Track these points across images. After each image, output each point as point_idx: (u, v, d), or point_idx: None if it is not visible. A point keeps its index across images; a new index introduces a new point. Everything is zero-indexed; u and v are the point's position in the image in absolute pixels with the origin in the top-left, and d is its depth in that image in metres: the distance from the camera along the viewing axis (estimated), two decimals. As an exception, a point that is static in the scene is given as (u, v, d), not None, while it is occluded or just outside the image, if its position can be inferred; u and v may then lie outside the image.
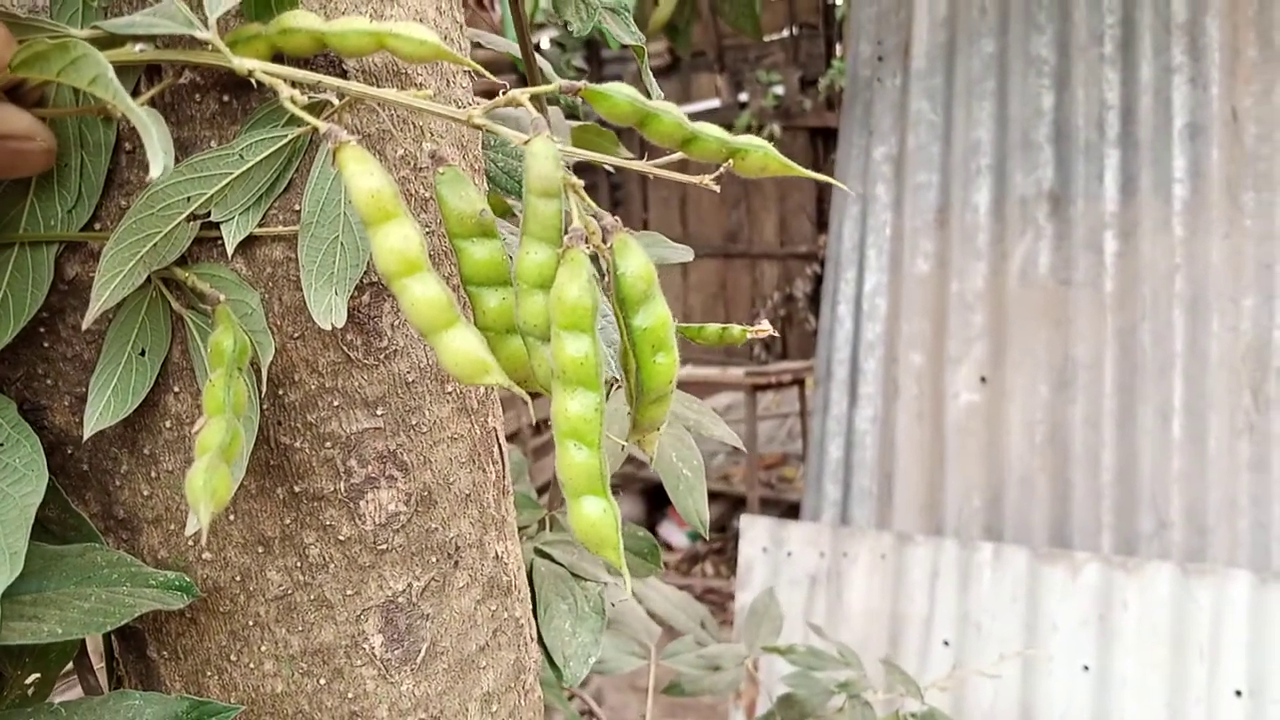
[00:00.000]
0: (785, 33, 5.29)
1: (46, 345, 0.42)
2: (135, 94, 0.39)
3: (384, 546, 0.45)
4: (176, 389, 0.42)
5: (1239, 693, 1.89)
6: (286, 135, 0.40)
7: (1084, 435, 2.15)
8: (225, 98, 0.40)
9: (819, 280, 4.93)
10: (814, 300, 5.29)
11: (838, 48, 5.10)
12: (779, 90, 5.18)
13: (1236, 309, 2.03)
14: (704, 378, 4.45)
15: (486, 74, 0.43)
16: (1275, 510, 1.97)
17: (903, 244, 2.38)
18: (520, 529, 0.72)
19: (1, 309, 0.40)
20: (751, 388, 4.16)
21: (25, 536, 0.37)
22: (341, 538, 0.45)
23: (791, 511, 3.66)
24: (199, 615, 0.45)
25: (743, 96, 5.37)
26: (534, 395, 0.43)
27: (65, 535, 0.43)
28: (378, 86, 0.42)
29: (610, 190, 5.96)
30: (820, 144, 5.25)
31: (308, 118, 0.37)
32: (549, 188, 0.37)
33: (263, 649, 0.45)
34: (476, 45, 0.75)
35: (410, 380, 0.45)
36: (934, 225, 2.35)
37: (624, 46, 0.65)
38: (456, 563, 0.48)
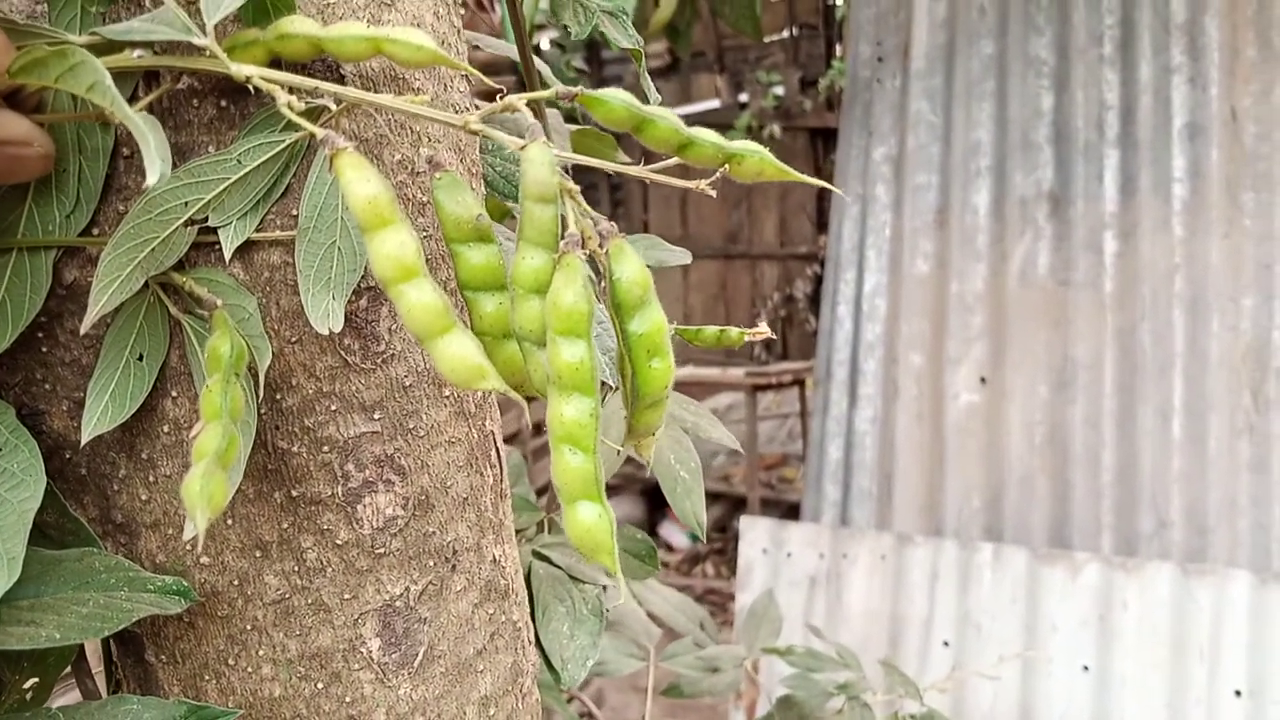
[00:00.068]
0: (785, 33, 5.29)
1: (45, 350, 0.42)
2: (133, 99, 0.39)
3: (381, 550, 0.46)
4: (174, 394, 0.42)
5: (1239, 693, 1.89)
6: (284, 140, 0.40)
7: (1084, 436, 2.15)
8: (223, 103, 0.40)
9: (819, 281, 4.92)
10: (814, 301, 5.30)
11: (838, 48, 5.10)
12: (779, 91, 5.18)
13: (1236, 309, 2.03)
14: (704, 378, 4.45)
15: (484, 78, 0.43)
16: (1275, 511, 1.97)
17: (902, 245, 2.38)
18: (518, 531, 0.72)
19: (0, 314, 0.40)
20: (752, 388, 4.17)
21: (23, 541, 0.37)
22: (339, 542, 0.45)
23: (792, 512, 3.66)
24: (197, 620, 0.45)
25: (743, 97, 5.37)
26: (531, 398, 0.43)
27: (63, 540, 0.43)
28: (375, 91, 0.43)
29: (610, 191, 5.96)
30: (820, 144, 5.25)
31: (305, 124, 0.37)
32: (545, 193, 0.37)
33: (260, 653, 0.45)
34: (475, 48, 0.75)
35: (408, 384, 0.45)
36: (933, 226, 2.35)
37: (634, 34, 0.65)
38: (454, 566, 0.48)
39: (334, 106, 0.40)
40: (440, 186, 0.40)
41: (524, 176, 0.37)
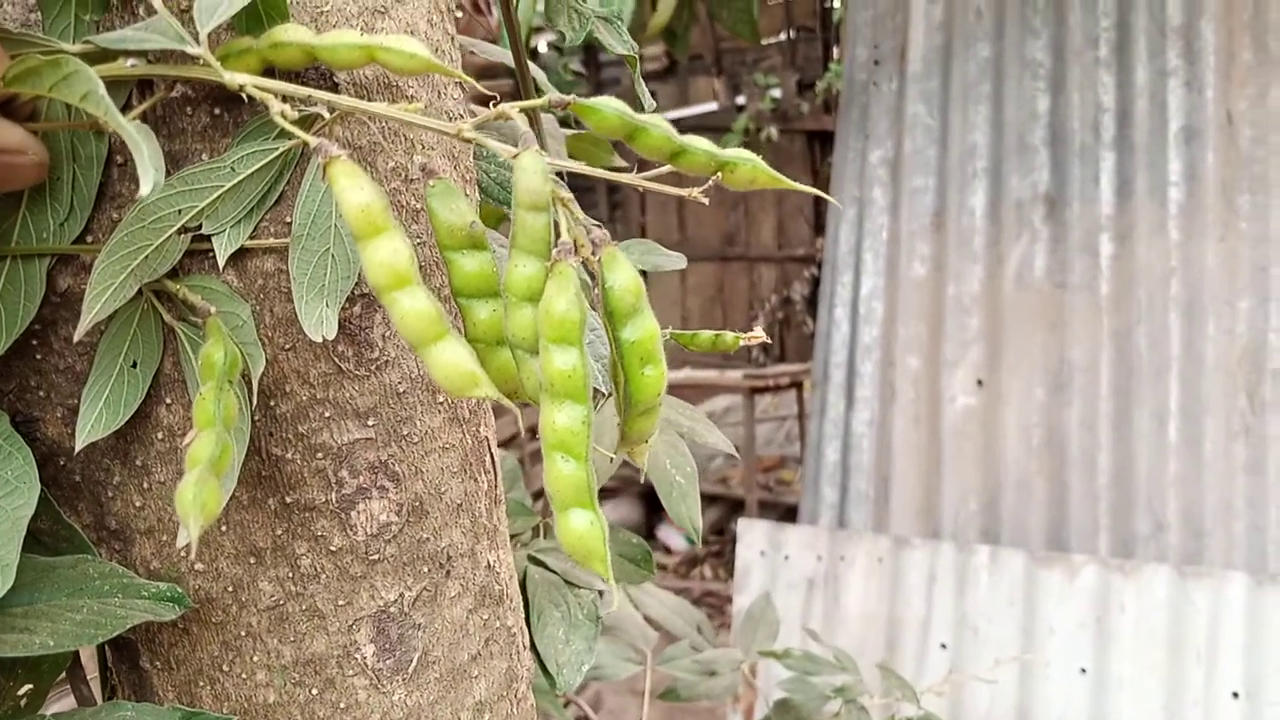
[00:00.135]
0: (782, 36, 5.30)
1: (39, 357, 0.42)
2: (127, 108, 0.39)
3: (375, 557, 0.46)
4: (168, 401, 0.42)
5: (1236, 695, 1.89)
6: (278, 148, 0.40)
7: (1080, 438, 2.15)
8: (217, 110, 0.41)
9: (816, 283, 4.93)
10: (812, 303, 5.30)
11: (835, 51, 5.11)
12: (776, 93, 5.18)
13: (1232, 312, 2.04)
14: (702, 380, 4.45)
15: (478, 85, 0.43)
16: (1271, 513, 1.97)
17: (899, 247, 2.38)
18: (513, 536, 0.72)
19: (-6, 322, 0.40)
20: (750, 390, 4.17)
21: (17, 549, 0.37)
22: (333, 548, 0.45)
23: (790, 514, 3.66)
24: (191, 626, 0.45)
25: (740, 100, 5.38)
26: (525, 404, 0.43)
27: (58, 547, 0.43)
28: (369, 99, 0.43)
29: (608, 193, 5.97)
30: (817, 147, 5.26)
31: (298, 132, 0.37)
32: (537, 201, 0.37)
33: (255, 659, 0.45)
34: (470, 53, 0.75)
35: (401, 391, 0.45)
36: (930, 229, 2.35)
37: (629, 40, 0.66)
38: (448, 572, 0.48)
39: (328, 114, 0.40)
40: (434, 194, 0.40)
41: (517, 185, 0.37)
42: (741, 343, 0.60)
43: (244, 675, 0.45)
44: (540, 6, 0.65)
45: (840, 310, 2.45)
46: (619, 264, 0.39)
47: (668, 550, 4.34)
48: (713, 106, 5.52)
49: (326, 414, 0.44)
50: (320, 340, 0.40)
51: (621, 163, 0.92)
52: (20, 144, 0.37)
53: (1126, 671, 1.98)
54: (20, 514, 0.38)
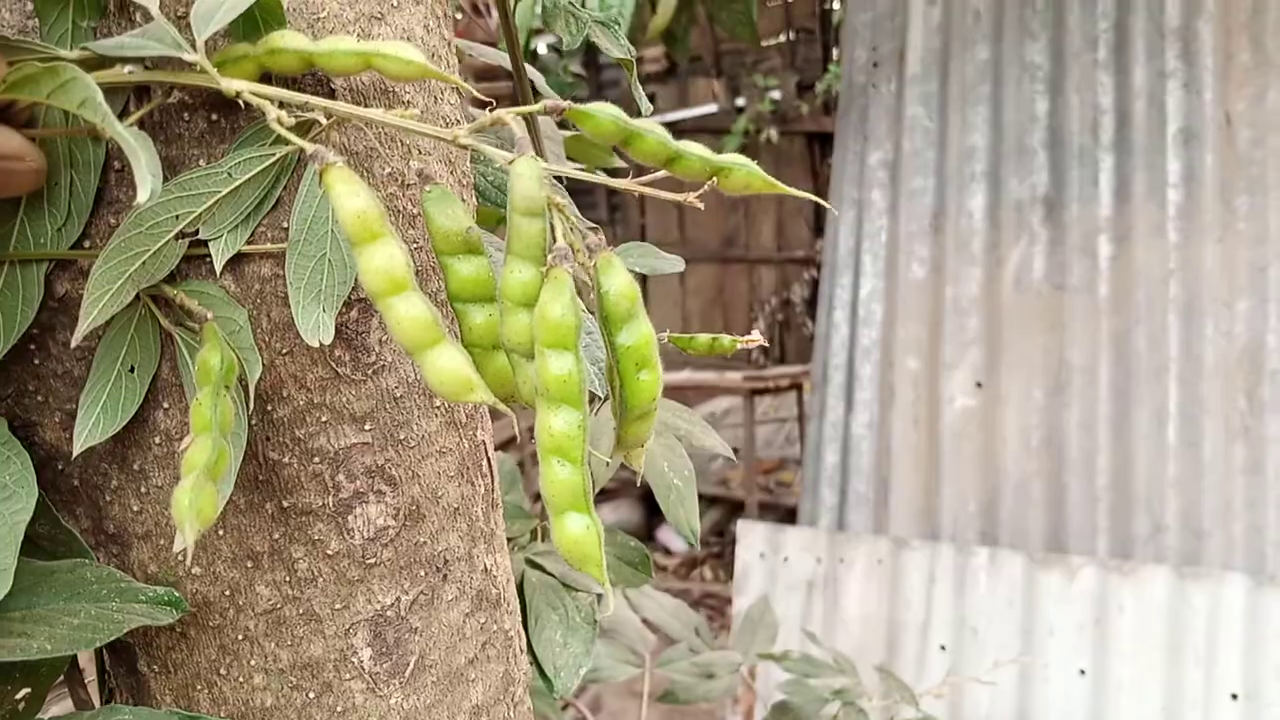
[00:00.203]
0: (782, 38, 5.30)
1: (37, 362, 0.42)
2: (124, 113, 0.40)
3: (372, 561, 0.46)
4: (166, 405, 0.43)
5: (1235, 696, 1.89)
6: (274, 154, 0.41)
7: (1079, 440, 2.15)
8: (214, 116, 0.41)
9: (816, 285, 4.93)
10: (811, 305, 5.30)
11: (834, 53, 5.11)
12: (776, 95, 5.18)
13: (1230, 313, 2.04)
14: (702, 382, 4.45)
15: (474, 91, 0.43)
16: (1270, 514, 1.97)
17: (898, 249, 2.38)
18: (511, 539, 0.73)
19: (-9, 327, 0.40)
20: (749, 392, 4.17)
21: (15, 553, 0.37)
22: (330, 552, 0.45)
23: (790, 516, 3.66)
24: (189, 629, 0.45)
25: (740, 101, 5.38)
26: (524, 407, 0.43)
27: (55, 551, 0.43)
28: (365, 104, 0.43)
29: (607, 194, 5.96)
30: (817, 148, 5.26)
31: (295, 139, 0.37)
32: (532, 207, 0.37)
33: (252, 663, 0.45)
34: (469, 55, 0.75)
35: (398, 395, 0.46)
36: (929, 230, 2.35)
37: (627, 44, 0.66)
38: (445, 576, 0.48)
39: (324, 120, 0.40)
40: (430, 200, 0.40)
41: (512, 190, 0.37)
42: (739, 345, 0.60)
43: (241, 679, 0.46)
44: (539, 10, 0.65)
45: (839, 312, 2.45)
46: (614, 269, 0.39)
47: (667, 552, 4.34)
48: (712, 108, 5.53)
49: (323, 418, 0.44)
50: (317, 345, 0.40)
51: (621, 164, 0.92)
52: (18, 150, 0.38)
53: (1125, 673, 1.98)
54: (18, 518, 0.38)
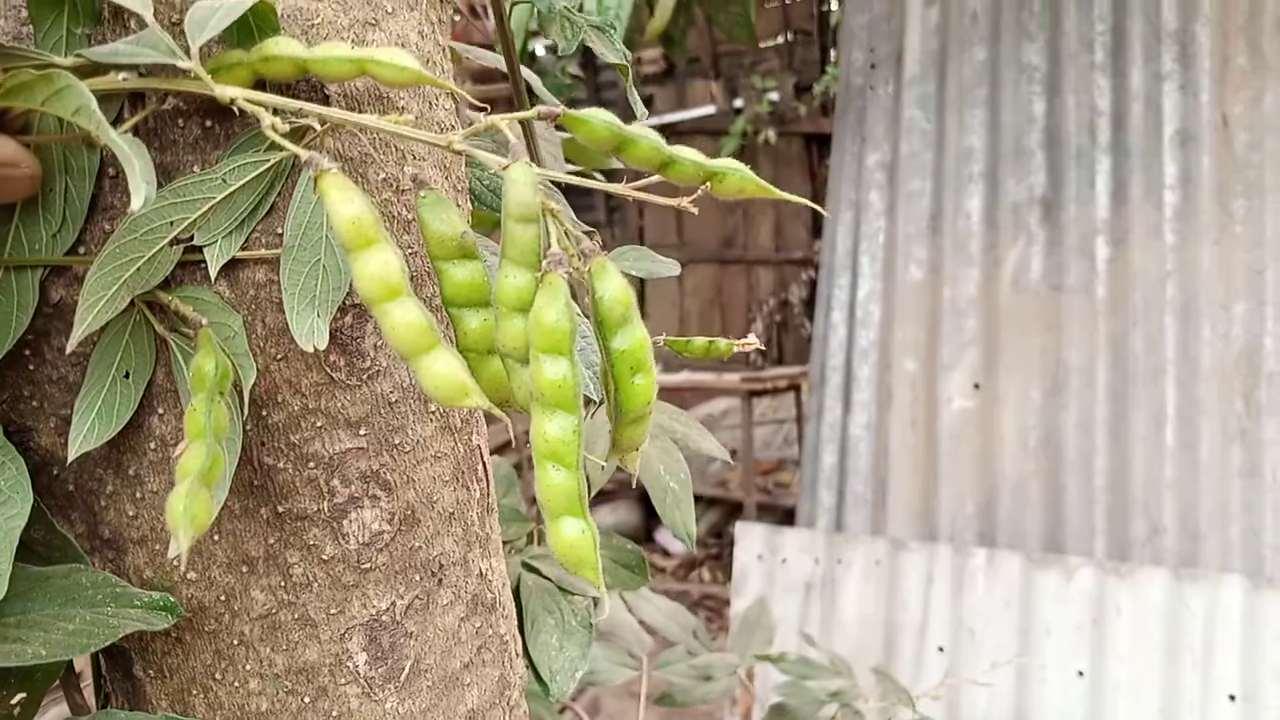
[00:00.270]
0: (780, 39, 5.31)
1: (32, 368, 0.43)
2: (119, 120, 0.40)
3: (367, 565, 0.46)
4: (161, 410, 0.43)
5: (1232, 698, 1.89)
6: (269, 160, 0.41)
7: (1077, 441, 2.16)
8: (208, 122, 0.41)
9: (814, 286, 4.94)
10: (810, 305, 5.30)
11: (832, 54, 5.11)
12: (774, 96, 5.19)
13: (1227, 315, 2.04)
14: (700, 383, 4.45)
15: (468, 97, 0.43)
16: (1267, 516, 1.97)
17: (896, 250, 2.38)
18: (507, 542, 0.73)
19: (-13, 333, 0.40)
20: (748, 393, 4.17)
21: (10, 559, 0.37)
22: (325, 557, 0.45)
23: (789, 517, 3.66)
24: (184, 634, 0.45)
25: (738, 103, 5.38)
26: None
27: (51, 556, 0.43)
28: (360, 110, 0.43)
29: (606, 196, 5.96)
30: (815, 150, 5.26)
31: (289, 145, 0.37)
32: (527, 213, 0.37)
33: (247, 668, 0.45)
34: (465, 58, 0.76)
35: (393, 400, 0.46)
36: (927, 232, 2.35)
37: (626, 46, 0.66)
38: (440, 581, 0.48)
39: (319, 126, 0.40)
40: (425, 205, 0.40)
41: (506, 197, 0.37)
42: (736, 349, 0.60)
43: (237, 684, 0.46)
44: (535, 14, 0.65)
45: (837, 313, 2.45)
46: (608, 274, 0.39)
47: (666, 553, 4.34)
48: (710, 109, 5.53)
49: (318, 423, 0.44)
50: (312, 350, 0.40)
51: (619, 165, 0.92)
52: (13, 157, 0.38)
53: (1123, 674, 1.98)
54: (13, 524, 0.38)
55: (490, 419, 0.53)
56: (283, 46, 0.39)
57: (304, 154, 0.36)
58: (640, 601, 1.14)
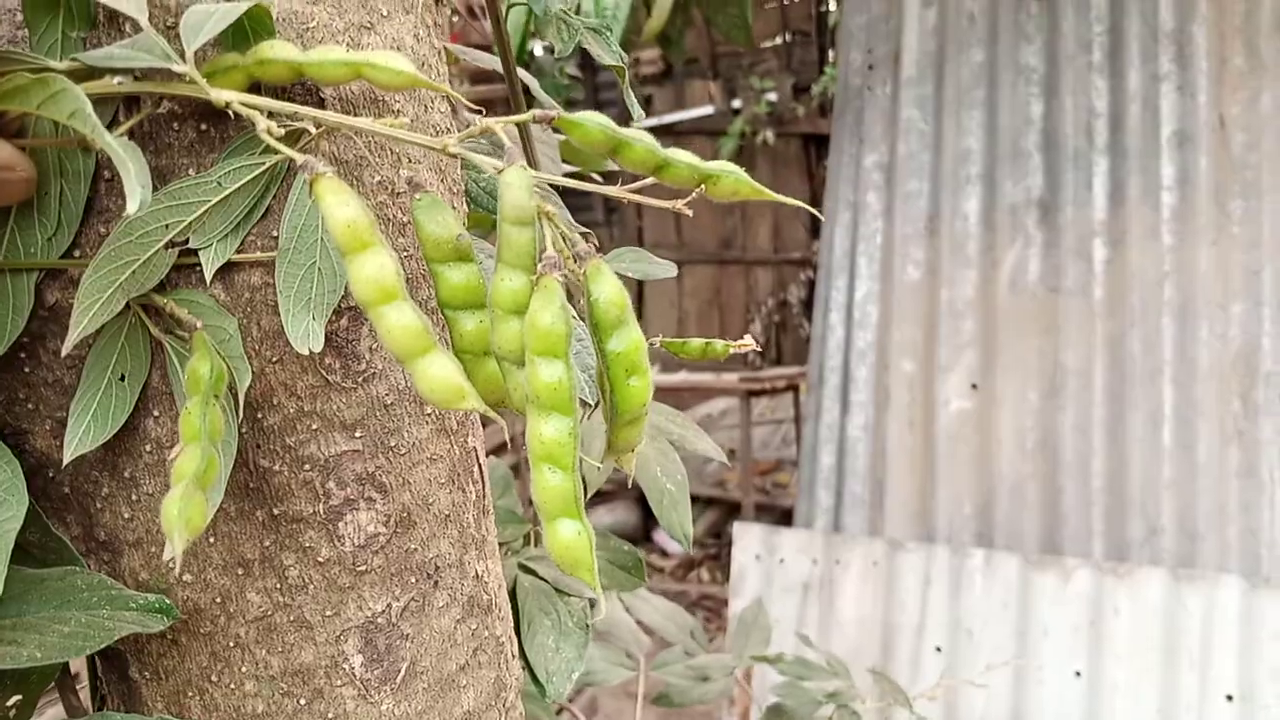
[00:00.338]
0: (778, 40, 5.31)
1: (27, 370, 0.43)
2: (114, 123, 0.40)
3: (363, 568, 0.46)
4: (156, 413, 0.43)
5: (1230, 698, 1.89)
6: (264, 163, 0.41)
7: (1074, 442, 2.16)
8: (203, 126, 0.41)
9: (813, 286, 4.94)
10: (808, 306, 5.30)
11: (830, 55, 5.12)
12: (772, 97, 5.19)
13: (1225, 316, 2.04)
14: (699, 383, 4.45)
15: (464, 100, 0.43)
16: (1265, 516, 1.97)
17: (893, 252, 2.38)
18: (504, 544, 0.73)
19: (-18, 335, 0.40)
20: (746, 393, 4.17)
21: (4, 561, 0.37)
22: (321, 559, 0.45)
23: (787, 517, 3.66)
24: (180, 636, 0.45)
25: (736, 103, 5.38)
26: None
27: (46, 558, 0.43)
28: (355, 113, 0.43)
29: (604, 196, 5.96)
30: (813, 150, 5.26)
31: (284, 149, 0.37)
32: (522, 216, 0.37)
33: (243, 669, 0.45)
34: (460, 59, 0.76)
35: (389, 402, 0.46)
36: (924, 233, 2.35)
37: (623, 47, 0.66)
38: (436, 583, 0.48)
39: (314, 129, 0.40)
40: (420, 208, 0.40)
41: (502, 200, 0.37)
42: (732, 350, 0.60)
43: (232, 685, 0.46)
44: (538, 10, 0.65)
45: (835, 314, 2.45)
46: (604, 276, 0.39)
47: (664, 553, 4.34)
48: (709, 110, 5.53)
49: (314, 426, 0.44)
50: (307, 353, 0.40)
51: (617, 167, 0.92)
52: (8, 160, 0.38)
53: (1120, 675, 1.98)
54: (8, 527, 0.38)
55: (486, 421, 0.53)
56: (278, 50, 0.39)
57: (299, 157, 0.36)
58: (638, 602, 1.14)
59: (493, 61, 0.76)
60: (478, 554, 0.51)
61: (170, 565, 0.44)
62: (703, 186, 0.42)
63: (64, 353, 0.39)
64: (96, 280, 0.39)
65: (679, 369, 4.59)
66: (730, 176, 0.41)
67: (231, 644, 0.45)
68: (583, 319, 0.48)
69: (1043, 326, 2.21)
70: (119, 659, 0.47)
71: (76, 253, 0.41)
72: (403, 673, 0.47)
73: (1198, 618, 1.93)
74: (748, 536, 2.42)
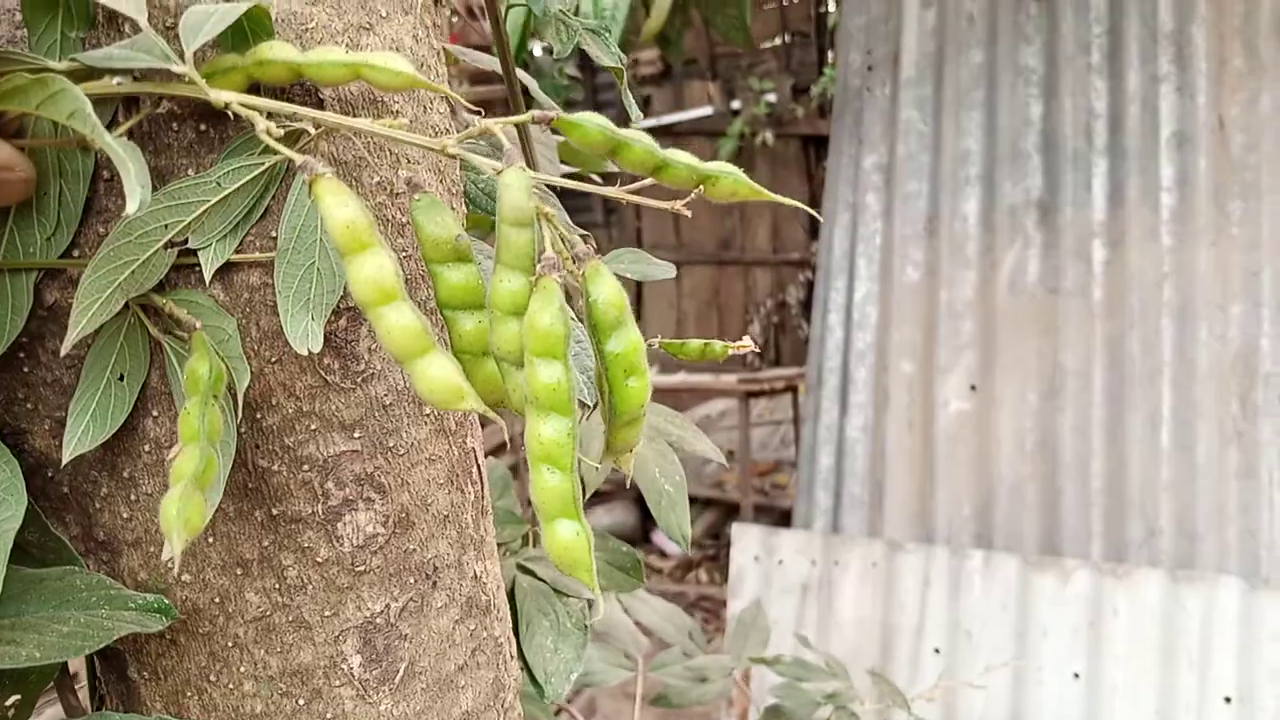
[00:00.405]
0: (777, 41, 5.31)
1: (26, 370, 0.43)
2: (113, 124, 0.40)
3: (362, 568, 0.46)
4: (155, 413, 0.43)
5: (1228, 700, 1.89)
6: (263, 163, 0.41)
7: (1073, 443, 2.16)
8: (202, 126, 0.41)
9: (812, 287, 4.94)
10: (807, 307, 5.30)
11: (829, 56, 5.12)
12: (771, 98, 5.19)
13: (1224, 317, 2.04)
14: (697, 384, 4.45)
15: (462, 101, 0.43)
16: (1264, 517, 1.98)
17: (893, 253, 2.39)
18: (503, 544, 0.73)
19: (-19, 335, 0.40)
20: (745, 394, 4.17)
21: (3, 561, 0.37)
22: (319, 559, 0.45)
23: (785, 518, 3.67)
24: (179, 636, 0.45)
25: (735, 104, 5.38)
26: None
27: (45, 558, 0.43)
28: (354, 114, 0.43)
29: (603, 197, 5.96)
30: (812, 151, 5.26)
31: (283, 150, 0.37)
32: (521, 217, 0.37)
33: (242, 670, 0.45)
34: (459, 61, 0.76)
35: (387, 403, 0.46)
36: (923, 234, 2.36)
37: (622, 47, 0.66)
38: (435, 583, 0.48)
39: (313, 130, 0.40)
40: (419, 208, 0.40)
41: (500, 201, 0.37)
42: (731, 351, 0.60)
43: (231, 686, 0.46)
44: (538, 10, 0.65)
45: (834, 315, 2.45)
46: (602, 277, 0.39)
47: (663, 554, 4.34)
48: (708, 110, 5.53)
49: (313, 426, 0.44)
50: (306, 353, 0.40)
51: (615, 168, 0.92)
52: (7, 161, 0.38)
53: (1119, 676, 1.98)
54: (7, 527, 0.38)
55: (485, 421, 0.53)
56: (277, 51, 0.39)
57: (299, 158, 0.36)
58: (636, 603, 1.14)
59: (491, 62, 0.76)
60: (476, 554, 0.51)
61: (169, 565, 0.44)
62: (701, 187, 0.42)
63: (63, 352, 0.39)
64: (95, 280, 0.39)
65: (678, 370, 4.59)
66: (729, 177, 0.42)
67: (230, 644, 0.45)
68: (581, 320, 0.48)
69: (1042, 327, 2.21)
70: (118, 659, 0.47)
71: (75, 253, 0.41)
72: (401, 673, 0.47)
73: (1197, 619, 1.93)
74: (746, 537, 2.42)
